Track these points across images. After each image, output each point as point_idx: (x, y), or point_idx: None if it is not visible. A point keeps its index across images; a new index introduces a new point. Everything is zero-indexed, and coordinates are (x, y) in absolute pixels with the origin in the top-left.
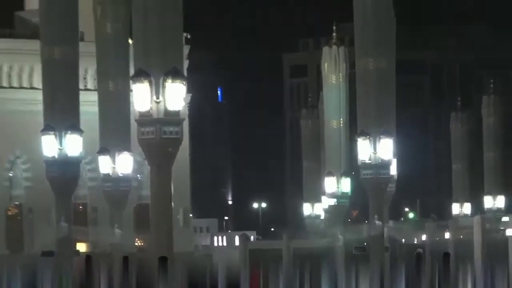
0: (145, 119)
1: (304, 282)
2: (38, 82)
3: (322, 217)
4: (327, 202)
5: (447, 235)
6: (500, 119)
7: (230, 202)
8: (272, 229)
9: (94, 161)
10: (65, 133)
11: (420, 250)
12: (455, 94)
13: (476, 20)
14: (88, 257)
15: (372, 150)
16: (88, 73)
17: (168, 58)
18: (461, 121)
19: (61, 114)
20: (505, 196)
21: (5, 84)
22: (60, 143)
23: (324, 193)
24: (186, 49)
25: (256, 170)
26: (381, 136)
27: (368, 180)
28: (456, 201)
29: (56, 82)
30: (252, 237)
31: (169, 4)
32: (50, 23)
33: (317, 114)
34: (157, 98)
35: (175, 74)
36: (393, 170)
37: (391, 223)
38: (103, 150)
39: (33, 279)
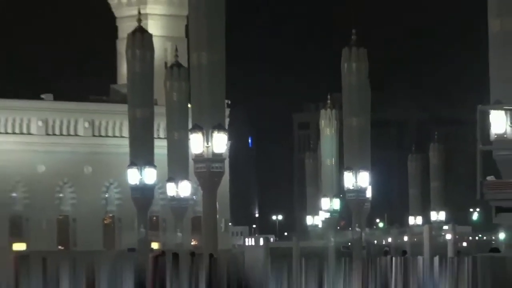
0: (199, 158)
1: (308, 270)
2: (125, 132)
3: (320, 225)
4: (323, 215)
5: (405, 238)
6: (442, 160)
7: (256, 215)
8: (285, 234)
9: (164, 187)
10: (144, 167)
11: (387, 248)
12: (412, 142)
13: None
14: (162, 252)
15: (354, 180)
16: (160, 127)
17: (215, 117)
18: (415, 161)
19: (141, 154)
20: (445, 211)
21: (102, 134)
22: (141, 174)
23: (321, 209)
24: (227, 111)
25: (275, 192)
26: (360, 170)
27: (351, 200)
28: (412, 215)
29: (138, 132)
30: (271, 239)
31: (215, 79)
32: (134, 93)
33: (317, 155)
34: (207, 144)
35: (220, 128)
36: (369, 193)
37: (367, 230)
38: (170, 179)
39: (120, 268)
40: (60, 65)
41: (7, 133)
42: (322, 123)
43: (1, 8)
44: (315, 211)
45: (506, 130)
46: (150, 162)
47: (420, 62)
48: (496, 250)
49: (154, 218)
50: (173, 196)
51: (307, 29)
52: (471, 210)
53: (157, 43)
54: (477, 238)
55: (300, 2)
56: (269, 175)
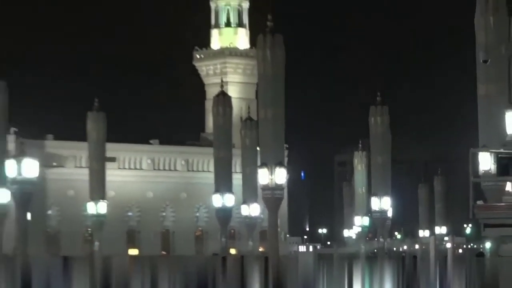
0: (265, 187)
1: (345, 270)
2: (211, 168)
3: (354, 237)
4: (356, 229)
5: (416, 246)
6: (443, 188)
7: (307, 229)
8: (328, 243)
9: (239, 208)
10: (225, 194)
11: (403, 254)
12: (421, 174)
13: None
14: (242, 256)
15: (379, 203)
16: (236, 163)
17: (277, 156)
18: (424, 188)
19: (222, 184)
20: (446, 226)
21: (195, 169)
22: (222, 199)
23: (354, 225)
24: (286, 152)
25: (321, 212)
26: (383, 196)
27: (376, 218)
28: (421, 228)
29: (221, 168)
30: (318, 247)
31: (277, 129)
32: (218, 139)
33: (351, 185)
34: (271, 176)
35: (280, 164)
36: (389, 213)
37: (388, 240)
38: (244, 202)
39: (205, 269)
40: (162, 118)
41: (125, 168)
42: (355, 161)
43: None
44: (350, 226)
45: (490, 167)
46: (229, 190)
47: (428, 114)
48: (481, 254)
49: (232, 231)
50: (246, 215)
51: (342, 90)
52: (465, 225)
53: (234, 103)
54: (469, 246)
55: (336, 66)
56: (316, 199)
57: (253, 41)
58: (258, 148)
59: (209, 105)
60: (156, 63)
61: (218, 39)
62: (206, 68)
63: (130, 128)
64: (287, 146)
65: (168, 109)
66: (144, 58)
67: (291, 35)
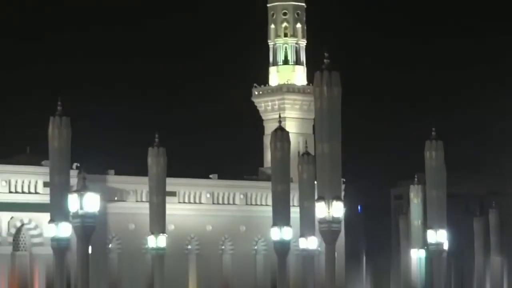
0: (323, 220)
1: None
2: (269, 201)
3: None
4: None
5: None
6: (498, 221)
7: (364, 261)
8: None
9: (297, 241)
10: (283, 227)
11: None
12: (476, 208)
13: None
14: None
15: (435, 236)
16: (294, 197)
17: (334, 190)
18: (479, 222)
19: (280, 217)
20: (500, 257)
21: (253, 203)
22: (280, 232)
23: (411, 258)
24: (343, 186)
25: (377, 245)
26: (439, 229)
27: (433, 251)
28: (477, 261)
29: (279, 201)
30: None
31: (334, 163)
32: (276, 173)
33: (409, 218)
34: (328, 210)
35: (337, 198)
36: (446, 246)
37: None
38: (302, 235)
39: None
40: (222, 153)
41: (184, 202)
42: (411, 194)
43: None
44: (408, 258)
45: None
46: (287, 223)
47: (482, 152)
48: None
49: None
50: (304, 248)
51: (397, 124)
52: None
53: (292, 138)
54: None
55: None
56: (373, 232)
57: (310, 78)
58: (315, 182)
59: (267, 140)
60: (216, 100)
61: (276, 76)
62: (265, 104)
63: (190, 163)
64: (344, 180)
65: (227, 144)
66: (205, 95)
67: (347, 69)
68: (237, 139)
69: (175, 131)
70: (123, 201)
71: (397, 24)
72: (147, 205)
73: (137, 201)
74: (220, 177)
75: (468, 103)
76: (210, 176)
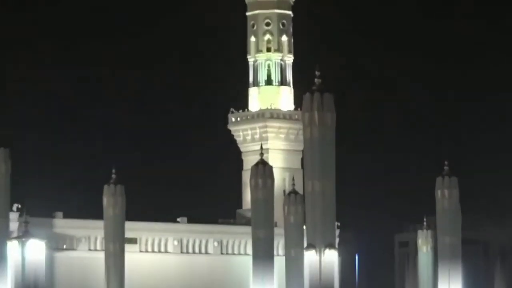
0: (315, 272)
1: None
2: (249, 250)
3: None
4: None
5: None
6: None
7: None
8: None
9: None
10: (265, 280)
11: None
12: (497, 256)
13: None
14: None
15: None
16: (279, 245)
17: (326, 236)
18: (500, 274)
19: (262, 269)
20: None
21: (229, 252)
22: (263, 286)
23: None
24: (337, 231)
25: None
26: (454, 282)
27: None
28: None
29: (260, 250)
30: None
31: (327, 204)
32: (257, 217)
33: (417, 270)
34: (320, 259)
35: (331, 246)
36: None
37: None
38: None
39: None
40: (192, 192)
41: (147, 251)
42: (420, 241)
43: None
44: None
45: None
46: (271, 276)
47: (503, 191)
48: None
49: None
50: None
51: (403, 157)
52: None
53: (276, 173)
54: None
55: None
56: (374, 286)
57: (298, 101)
58: (304, 227)
59: (246, 176)
60: (184, 128)
61: (257, 99)
62: (244, 133)
63: (154, 205)
64: (339, 224)
65: (199, 182)
66: (171, 122)
67: (342, 93)
68: (210, 176)
69: (135, 166)
70: (73, 249)
71: (401, 44)
72: (102, 254)
73: (90, 249)
74: (190, 221)
75: (487, 132)
76: (178, 219)
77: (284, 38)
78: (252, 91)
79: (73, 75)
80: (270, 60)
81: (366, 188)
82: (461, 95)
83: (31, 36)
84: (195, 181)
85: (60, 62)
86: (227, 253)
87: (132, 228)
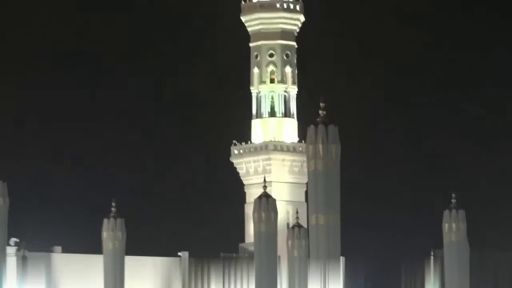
0: None
1: None
2: (252, 284)
3: None
4: None
5: None
6: None
7: None
8: None
9: None
10: None
11: None
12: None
13: None
14: None
15: None
16: (283, 279)
17: (331, 270)
18: None
19: None
20: None
21: (232, 287)
22: None
23: None
24: (342, 265)
25: None
26: None
27: None
28: None
29: (264, 284)
30: None
31: (332, 238)
32: (261, 250)
33: None
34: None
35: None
36: None
37: None
38: None
39: None
40: (193, 225)
41: None
42: (426, 277)
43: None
44: None
45: None
46: None
47: None
48: None
49: None
50: None
51: (408, 190)
52: None
53: (280, 207)
54: None
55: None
56: None
57: (302, 133)
58: (309, 261)
59: (249, 209)
60: (185, 161)
61: (260, 131)
62: (246, 166)
63: (154, 239)
64: (344, 258)
65: (200, 216)
66: (171, 153)
67: (346, 122)
68: (212, 209)
69: (135, 199)
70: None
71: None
72: None
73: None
74: (191, 256)
75: (497, 163)
76: (180, 254)
77: (288, 69)
78: (255, 123)
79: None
80: (274, 92)
81: (371, 221)
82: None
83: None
84: (197, 215)
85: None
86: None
87: (131, 263)
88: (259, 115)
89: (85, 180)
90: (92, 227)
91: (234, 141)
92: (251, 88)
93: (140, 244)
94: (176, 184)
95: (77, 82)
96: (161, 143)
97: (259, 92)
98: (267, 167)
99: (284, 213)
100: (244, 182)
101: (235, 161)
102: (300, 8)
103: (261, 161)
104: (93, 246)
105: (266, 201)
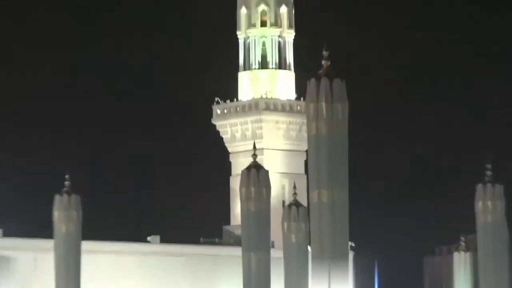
0: None
1: None
2: (239, 277)
3: None
4: None
5: None
6: None
7: None
8: None
9: None
10: None
11: None
12: None
13: None
14: None
15: None
16: (276, 269)
17: (337, 263)
18: None
19: None
20: None
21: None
22: None
23: None
24: (351, 255)
25: None
26: None
27: None
28: None
29: (252, 279)
30: None
31: (338, 220)
32: (249, 235)
33: None
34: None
35: (343, 271)
36: None
37: None
38: None
39: None
40: (166, 204)
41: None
42: (455, 265)
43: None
44: None
45: None
46: None
47: None
48: None
49: None
50: None
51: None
52: None
53: (274, 180)
54: None
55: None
56: None
57: (301, 89)
58: (309, 248)
59: (235, 183)
60: (157, 123)
61: (249, 86)
62: (232, 129)
63: (118, 221)
64: (353, 245)
65: (175, 192)
66: (137, 113)
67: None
68: (189, 184)
69: (94, 169)
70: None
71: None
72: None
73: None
74: (162, 241)
75: None
76: (149, 238)
77: (284, 9)
78: (243, 77)
79: None
80: (266, 37)
81: (387, 198)
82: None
83: None
84: (170, 190)
85: None
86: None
87: (89, 250)
88: (247, 66)
89: (35, 152)
90: (41, 207)
91: (216, 99)
92: (237, 33)
93: (100, 227)
94: (145, 153)
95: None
96: (123, 97)
97: (247, 37)
98: (258, 131)
99: (279, 188)
100: (229, 150)
101: (218, 123)
102: None
103: (250, 123)
104: (42, 230)
105: (256, 173)
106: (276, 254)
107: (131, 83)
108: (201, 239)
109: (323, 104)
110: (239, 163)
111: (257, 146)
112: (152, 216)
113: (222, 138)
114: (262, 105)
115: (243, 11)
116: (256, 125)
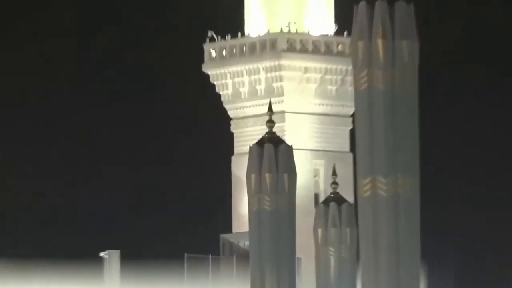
0: None
1: None
2: None
3: None
4: None
5: None
6: None
7: None
8: None
9: None
10: None
11: None
12: None
13: None
14: None
15: None
16: None
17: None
18: None
19: None
20: None
21: None
22: None
23: None
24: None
25: None
26: None
27: None
28: None
29: None
30: None
31: None
32: (261, 249)
33: None
34: None
35: None
36: None
37: None
38: None
39: None
40: (137, 199)
41: None
42: None
43: None
44: None
45: None
46: None
47: None
48: None
49: None
50: None
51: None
52: None
53: (300, 162)
54: None
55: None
56: None
57: (342, 19)
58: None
59: (239, 168)
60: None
61: (263, 15)
62: (235, 82)
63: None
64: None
65: (153, 174)
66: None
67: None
68: (171, 170)
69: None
70: None
71: None
72: None
73: None
74: (124, 258)
75: None
76: (102, 254)
77: None
78: (252, 3)
79: None
80: None
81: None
82: None
83: None
84: (145, 178)
85: None
86: None
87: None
88: None
89: None
90: None
91: (210, 33)
92: None
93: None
94: (111, 122)
95: None
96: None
97: None
98: (276, 85)
99: (310, 174)
100: (231, 114)
101: (212, 71)
102: None
103: (263, 72)
104: None
105: (273, 150)
106: (305, 276)
107: None
108: (186, 254)
109: (379, 41)
110: (246, 136)
111: (274, 109)
112: (112, 221)
113: (219, 96)
114: (282, 43)
115: None
116: (273, 75)
